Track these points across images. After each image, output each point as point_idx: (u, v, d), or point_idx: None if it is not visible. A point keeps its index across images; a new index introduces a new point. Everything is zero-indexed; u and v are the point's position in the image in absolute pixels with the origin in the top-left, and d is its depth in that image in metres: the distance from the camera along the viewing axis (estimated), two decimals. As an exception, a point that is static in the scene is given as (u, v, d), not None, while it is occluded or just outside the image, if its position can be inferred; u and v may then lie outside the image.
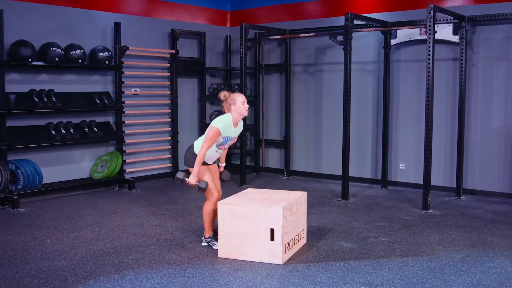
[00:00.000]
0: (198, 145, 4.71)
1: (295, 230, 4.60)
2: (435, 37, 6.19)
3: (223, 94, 4.76)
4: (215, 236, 4.79)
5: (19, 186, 6.46)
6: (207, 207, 4.76)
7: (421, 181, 6.70)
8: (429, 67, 6.04)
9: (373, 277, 4.04)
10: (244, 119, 7.74)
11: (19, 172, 6.44)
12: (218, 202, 4.55)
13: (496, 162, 6.90)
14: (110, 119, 7.64)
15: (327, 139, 8.27)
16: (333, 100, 8.09)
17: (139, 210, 6.22)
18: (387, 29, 7.30)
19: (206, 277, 4.05)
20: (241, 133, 7.59)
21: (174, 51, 8.21)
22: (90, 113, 7.39)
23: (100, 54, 7.15)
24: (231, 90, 4.74)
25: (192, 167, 4.67)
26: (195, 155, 4.66)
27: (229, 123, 4.64)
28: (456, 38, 6.89)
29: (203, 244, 4.84)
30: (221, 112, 8.63)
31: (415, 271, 4.18)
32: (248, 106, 4.74)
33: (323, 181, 8.17)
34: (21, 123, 6.71)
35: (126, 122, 7.69)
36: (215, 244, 4.73)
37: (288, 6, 8.62)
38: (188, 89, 8.73)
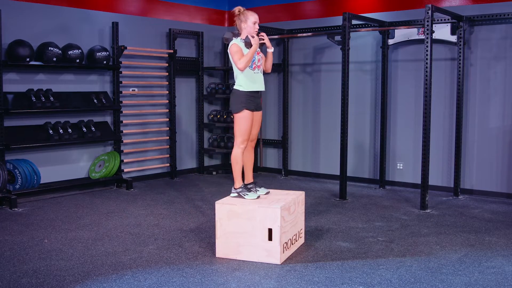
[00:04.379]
0: (239, 82, 4.66)
1: (293, 230, 4.61)
2: (433, 37, 6.20)
3: (238, 9, 4.74)
4: (246, 186, 4.70)
5: (17, 186, 6.46)
6: (235, 153, 4.66)
7: (419, 181, 6.71)
8: (427, 67, 6.04)
9: (371, 277, 4.05)
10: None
11: (17, 172, 6.43)
12: (216, 201, 4.55)
13: (494, 162, 6.91)
14: (108, 119, 7.63)
15: (325, 138, 8.27)
16: (331, 100, 8.10)
17: (137, 210, 6.22)
18: (385, 29, 7.31)
19: (204, 277, 4.05)
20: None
21: (172, 51, 8.21)
22: (88, 113, 7.38)
23: (98, 53, 7.14)
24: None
25: (240, 110, 4.60)
26: (237, 93, 4.64)
27: (238, 41, 4.65)
28: (454, 38, 6.90)
29: (232, 195, 4.68)
30: (219, 112, 8.66)
31: (413, 270, 4.18)
32: (258, 27, 4.68)
33: (321, 181, 8.17)
34: (19, 123, 6.70)
35: (124, 122, 7.69)
36: (247, 195, 4.61)
37: (286, 6, 8.62)
38: (186, 88, 8.73)
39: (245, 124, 4.63)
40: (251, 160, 4.85)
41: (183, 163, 8.73)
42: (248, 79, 4.66)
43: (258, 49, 4.72)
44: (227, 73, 9.19)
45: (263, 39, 4.71)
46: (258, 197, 4.62)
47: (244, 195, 4.61)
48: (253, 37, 4.62)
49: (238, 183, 4.68)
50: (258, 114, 4.80)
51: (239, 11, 4.72)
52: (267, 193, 4.78)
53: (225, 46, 9.18)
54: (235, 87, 4.71)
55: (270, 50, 4.80)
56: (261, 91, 4.81)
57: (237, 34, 4.74)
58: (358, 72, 7.83)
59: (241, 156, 4.66)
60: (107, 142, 7.64)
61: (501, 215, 5.99)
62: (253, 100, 4.69)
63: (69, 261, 4.40)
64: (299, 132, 8.59)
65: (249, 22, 4.67)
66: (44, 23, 6.92)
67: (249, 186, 4.75)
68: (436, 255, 4.57)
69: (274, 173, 8.83)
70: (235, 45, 4.63)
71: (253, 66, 4.67)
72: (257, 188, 4.77)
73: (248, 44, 4.63)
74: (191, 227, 5.44)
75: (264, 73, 4.90)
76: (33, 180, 6.53)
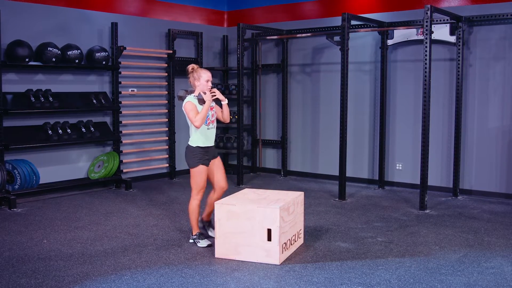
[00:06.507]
0: (192, 139, 4.80)
1: (292, 230, 4.61)
2: (432, 38, 6.20)
3: (191, 66, 4.82)
4: (201, 234, 4.91)
5: (16, 186, 6.45)
6: (192, 205, 4.84)
7: (418, 181, 6.71)
8: (426, 67, 6.05)
9: (370, 277, 4.05)
10: (241, 118, 7.76)
11: (16, 172, 6.43)
12: (215, 202, 4.56)
13: (493, 162, 6.91)
14: (107, 119, 7.63)
15: (324, 139, 8.27)
16: (330, 100, 8.10)
17: (136, 210, 6.22)
18: (384, 29, 7.31)
19: (203, 277, 4.05)
20: (238, 133, 7.68)
21: (171, 51, 8.20)
22: (87, 113, 7.38)
23: (97, 54, 7.14)
24: (201, 66, 4.77)
25: (195, 166, 4.76)
26: (191, 149, 4.77)
27: (191, 98, 4.73)
28: (453, 38, 6.90)
29: (190, 241, 4.96)
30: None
31: (412, 271, 4.19)
32: (211, 85, 4.76)
33: (320, 181, 8.17)
34: (18, 123, 6.69)
35: (123, 122, 7.68)
36: (199, 242, 4.84)
37: (285, 6, 8.62)
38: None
39: (200, 178, 4.78)
40: (212, 203, 4.92)
41: (182, 163, 8.72)
42: (202, 135, 4.77)
43: (212, 104, 4.82)
44: (226, 73, 9.19)
45: (215, 95, 4.76)
46: (209, 245, 4.78)
47: (197, 243, 4.85)
48: (205, 93, 4.68)
49: (194, 231, 4.90)
50: (216, 161, 4.94)
51: (192, 69, 4.79)
52: (209, 245, 4.82)
53: (223, 46, 9.18)
54: (189, 142, 4.82)
55: (225, 102, 4.88)
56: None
57: (191, 91, 4.80)
58: (357, 72, 7.83)
59: (197, 208, 4.85)
60: (106, 142, 7.63)
61: (500, 215, 5.99)
62: (207, 154, 4.82)
63: (68, 262, 4.39)
64: (298, 133, 8.59)
65: (202, 80, 4.73)
66: (43, 23, 6.91)
67: (194, 237, 4.89)
68: (435, 255, 4.57)
69: (273, 173, 8.82)
70: (190, 103, 4.70)
71: (207, 122, 4.78)
72: (198, 240, 4.86)
73: (201, 101, 4.70)
74: (190, 227, 5.43)
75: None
76: (32, 181, 6.52)
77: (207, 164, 4.82)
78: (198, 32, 8.65)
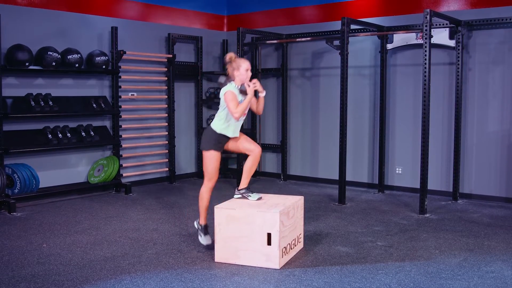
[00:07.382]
0: (217, 123, 4.67)
1: (292, 235, 4.60)
2: (432, 42, 6.21)
3: (229, 56, 4.70)
4: (206, 227, 4.82)
5: (16, 190, 6.45)
6: (202, 190, 4.74)
7: (418, 185, 6.70)
8: (425, 72, 6.05)
9: (370, 282, 4.04)
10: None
11: (16, 176, 6.43)
12: (215, 206, 4.55)
13: (493, 166, 6.91)
14: (107, 123, 7.63)
15: (323, 143, 8.27)
16: (329, 105, 8.10)
17: (136, 215, 6.21)
18: (384, 34, 7.32)
19: (203, 282, 4.04)
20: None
21: (171, 56, 8.21)
22: (87, 117, 7.38)
23: (97, 58, 7.15)
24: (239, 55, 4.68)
25: (207, 149, 4.64)
26: (212, 133, 4.64)
27: (233, 87, 4.63)
28: (452, 43, 6.92)
29: (194, 224, 4.91)
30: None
31: (412, 275, 4.18)
32: (250, 74, 4.67)
33: (319, 185, 8.17)
34: (18, 127, 6.70)
35: (123, 126, 7.69)
36: (201, 236, 4.80)
37: (285, 10, 8.64)
38: (185, 93, 8.74)
39: (210, 164, 4.67)
40: (250, 167, 4.80)
41: (182, 167, 8.72)
42: (229, 124, 4.66)
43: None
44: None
45: (256, 86, 4.68)
46: (208, 245, 4.75)
47: (199, 235, 4.82)
48: (248, 85, 4.61)
49: (201, 219, 4.81)
50: (239, 136, 4.80)
51: (230, 59, 4.69)
52: (259, 198, 4.77)
53: (223, 51, 9.19)
54: (212, 126, 4.69)
55: (262, 94, 4.80)
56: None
57: (230, 79, 4.71)
58: (357, 76, 7.84)
59: (206, 194, 4.74)
60: (106, 146, 7.64)
61: (500, 219, 5.99)
62: (223, 142, 4.72)
63: (68, 266, 4.39)
64: (298, 137, 8.59)
65: (242, 69, 4.64)
66: (43, 27, 6.92)
67: (242, 192, 4.79)
68: (435, 259, 4.57)
69: (273, 177, 8.82)
70: (231, 93, 4.58)
71: None
72: (249, 194, 4.78)
73: (243, 92, 4.63)
74: (190, 231, 5.43)
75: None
76: (32, 185, 6.52)
77: (219, 150, 4.70)
78: (198, 36, 8.67)
